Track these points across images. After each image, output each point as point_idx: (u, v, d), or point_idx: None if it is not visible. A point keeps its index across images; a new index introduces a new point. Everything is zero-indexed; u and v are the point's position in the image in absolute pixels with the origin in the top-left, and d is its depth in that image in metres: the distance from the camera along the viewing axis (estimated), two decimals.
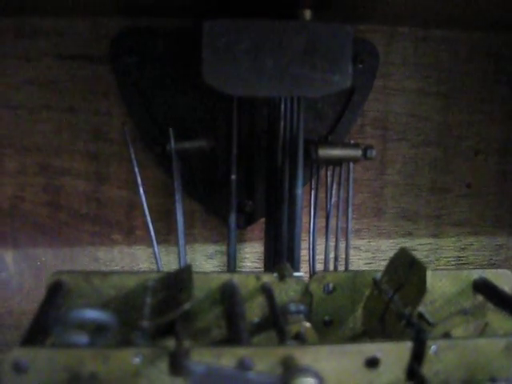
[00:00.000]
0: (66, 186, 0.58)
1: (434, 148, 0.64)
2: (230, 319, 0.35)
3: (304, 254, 0.57)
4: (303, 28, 0.46)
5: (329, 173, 0.57)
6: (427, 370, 0.32)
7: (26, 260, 0.59)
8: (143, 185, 0.53)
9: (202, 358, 0.29)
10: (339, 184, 0.56)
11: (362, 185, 0.63)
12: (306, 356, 0.30)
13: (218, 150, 0.55)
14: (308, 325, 0.39)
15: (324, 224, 0.57)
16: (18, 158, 0.57)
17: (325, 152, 0.53)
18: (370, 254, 0.65)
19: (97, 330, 0.33)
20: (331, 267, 0.58)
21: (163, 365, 0.29)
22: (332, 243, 0.57)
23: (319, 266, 0.58)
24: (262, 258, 0.60)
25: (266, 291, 0.39)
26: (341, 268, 0.58)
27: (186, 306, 0.33)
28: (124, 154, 0.57)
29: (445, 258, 0.67)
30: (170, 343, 0.31)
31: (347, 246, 0.57)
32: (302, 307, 0.40)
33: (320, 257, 0.58)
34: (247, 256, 0.63)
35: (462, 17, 0.56)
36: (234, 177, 0.53)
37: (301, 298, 0.40)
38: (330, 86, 0.46)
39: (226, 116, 0.56)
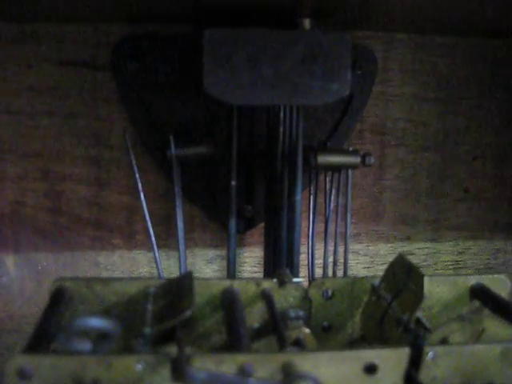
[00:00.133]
0: (67, 191, 0.58)
1: (431, 153, 0.65)
2: (231, 325, 0.36)
3: (303, 258, 0.58)
4: (302, 36, 0.46)
5: (328, 178, 0.57)
6: (425, 375, 0.33)
7: (27, 264, 0.59)
8: (144, 190, 0.53)
9: (203, 365, 0.30)
10: (338, 189, 0.57)
11: (361, 190, 0.64)
12: (305, 362, 0.31)
13: (218, 155, 0.56)
14: (307, 331, 0.39)
15: (323, 229, 0.58)
16: (19, 163, 0.57)
17: (324, 159, 0.54)
18: (368, 259, 0.66)
19: (100, 338, 0.33)
20: (330, 271, 0.58)
21: (165, 371, 0.30)
22: (331, 248, 0.58)
23: (318, 271, 0.58)
24: (262, 262, 0.60)
25: (266, 297, 0.40)
26: (339, 272, 0.58)
27: (187, 313, 0.34)
28: (125, 160, 0.58)
29: (443, 262, 0.68)
30: (172, 350, 0.32)
31: (346, 250, 0.58)
32: (301, 313, 0.40)
33: (319, 261, 0.58)
34: (247, 260, 0.63)
35: (460, 24, 0.56)
36: (233, 183, 0.54)
37: (300, 304, 0.41)
38: (329, 95, 0.46)
39: (226, 122, 0.56)
